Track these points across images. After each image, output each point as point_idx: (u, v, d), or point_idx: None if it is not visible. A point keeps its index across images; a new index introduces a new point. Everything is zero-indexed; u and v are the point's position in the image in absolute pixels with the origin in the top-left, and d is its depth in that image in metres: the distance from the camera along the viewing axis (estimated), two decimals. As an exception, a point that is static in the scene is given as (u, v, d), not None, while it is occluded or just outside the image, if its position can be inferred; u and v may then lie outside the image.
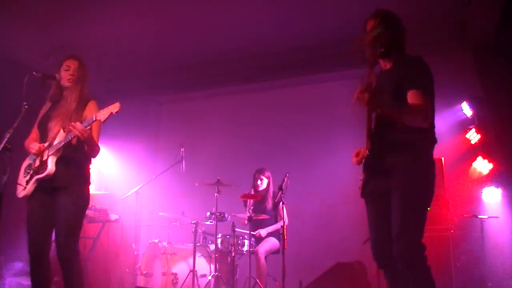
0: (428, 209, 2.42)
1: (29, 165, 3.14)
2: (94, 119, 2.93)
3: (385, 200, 2.48)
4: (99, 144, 3.17)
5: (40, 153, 3.08)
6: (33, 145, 3.10)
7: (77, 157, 3.12)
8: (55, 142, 3.05)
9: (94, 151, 3.14)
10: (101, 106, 3.10)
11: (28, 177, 3.09)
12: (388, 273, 2.57)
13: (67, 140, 2.98)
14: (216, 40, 5.70)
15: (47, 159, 3.02)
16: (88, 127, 2.96)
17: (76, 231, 3.07)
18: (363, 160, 2.62)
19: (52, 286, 3.13)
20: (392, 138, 2.46)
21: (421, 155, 2.47)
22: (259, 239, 5.02)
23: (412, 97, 2.41)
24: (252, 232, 4.77)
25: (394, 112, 2.40)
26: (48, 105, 3.28)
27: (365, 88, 2.34)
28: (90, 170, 3.24)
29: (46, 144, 3.08)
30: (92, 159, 3.24)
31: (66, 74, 3.20)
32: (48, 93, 3.26)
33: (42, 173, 3.01)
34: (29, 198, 3.07)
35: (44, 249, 3.05)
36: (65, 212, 3.00)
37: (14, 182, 3.11)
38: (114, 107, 2.90)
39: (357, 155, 2.73)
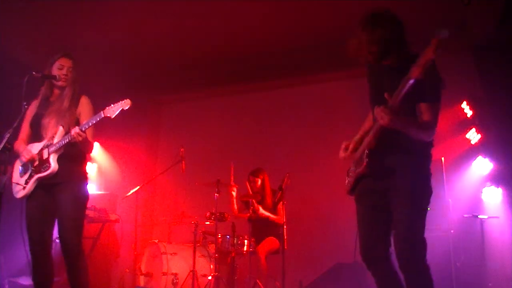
0: (429, 209, 2.41)
1: (25, 165, 3.11)
2: (102, 116, 2.92)
3: (382, 198, 2.46)
4: (93, 140, 3.17)
5: (30, 162, 3.06)
6: (25, 153, 3.07)
7: (75, 153, 3.12)
8: (55, 141, 3.03)
9: (88, 149, 3.16)
10: (99, 105, 3.09)
11: (27, 176, 3.06)
12: (377, 273, 2.54)
13: (68, 139, 2.97)
14: (216, 40, 5.70)
15: (48, 158, 3.02)
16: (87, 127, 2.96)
17: (79, 226, 3.07)
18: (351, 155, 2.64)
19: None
20: (393, 137, 2.43)
21: (423, 155, 2.46)
22: (259, 239, 5.01)
23: (424, 111, 2.37)
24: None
25: (408, 126, 2.35)
26: (36, 103, 3.22)
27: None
28: (87, 167, 3.28)
29: (44, 143, 3.07)
30: (88, 157, 3.31)
31: (59, 73, 3.14)
32: (38, 90, 3.21)
33: (44, 171, 3.00)
34: (28, 197, 3.06)
35: (45, 247, 3.04)
36: (66, 207, 3.01)
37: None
38: (125, 104, 2.90)
39: (346, 148, 2.71)
